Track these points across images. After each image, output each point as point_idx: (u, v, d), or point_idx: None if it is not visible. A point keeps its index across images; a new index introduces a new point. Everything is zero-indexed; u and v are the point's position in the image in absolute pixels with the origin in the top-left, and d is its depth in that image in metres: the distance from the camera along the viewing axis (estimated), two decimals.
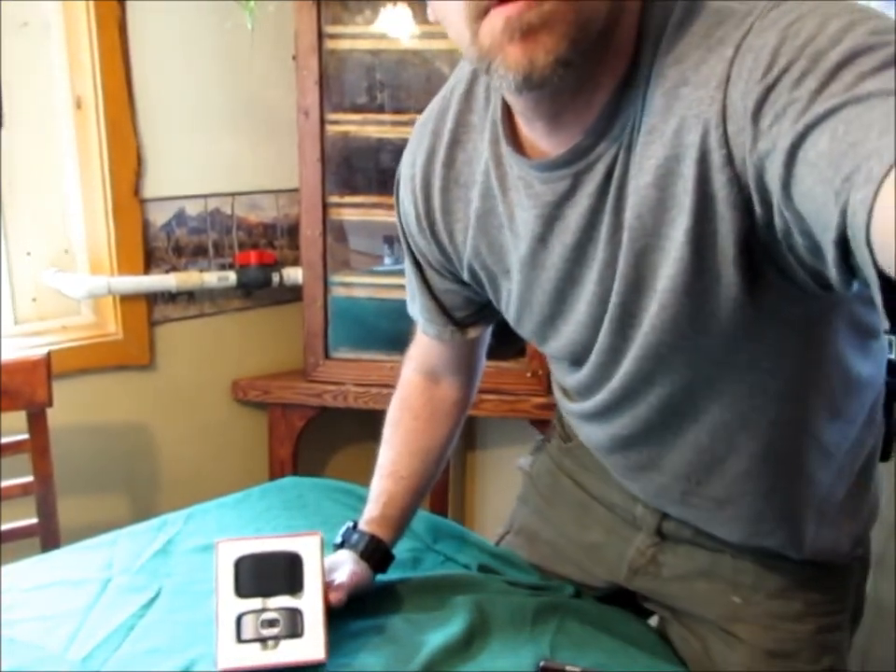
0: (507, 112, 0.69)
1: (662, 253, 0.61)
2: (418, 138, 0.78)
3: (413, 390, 0.94)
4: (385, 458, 0.92)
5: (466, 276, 0.79)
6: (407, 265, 0.85)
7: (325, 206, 1.63)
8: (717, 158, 0.56)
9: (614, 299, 0.65)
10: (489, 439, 1.97)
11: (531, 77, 0.56)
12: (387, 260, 1.71)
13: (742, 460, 0.72)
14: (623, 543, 0.89)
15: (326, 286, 1.66)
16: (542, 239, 0.69)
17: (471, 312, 0.86)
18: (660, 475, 0.77)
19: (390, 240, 1.68)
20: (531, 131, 0.67)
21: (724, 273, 0.59)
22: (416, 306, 0.87)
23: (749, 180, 0.55)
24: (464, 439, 1.99)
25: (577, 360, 0.74)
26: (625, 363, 0.68)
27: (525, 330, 0.77)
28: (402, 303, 0.91)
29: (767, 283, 0.59)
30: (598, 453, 0.84)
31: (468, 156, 0.74)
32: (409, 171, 0.79)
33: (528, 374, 1.60)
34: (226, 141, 1.66)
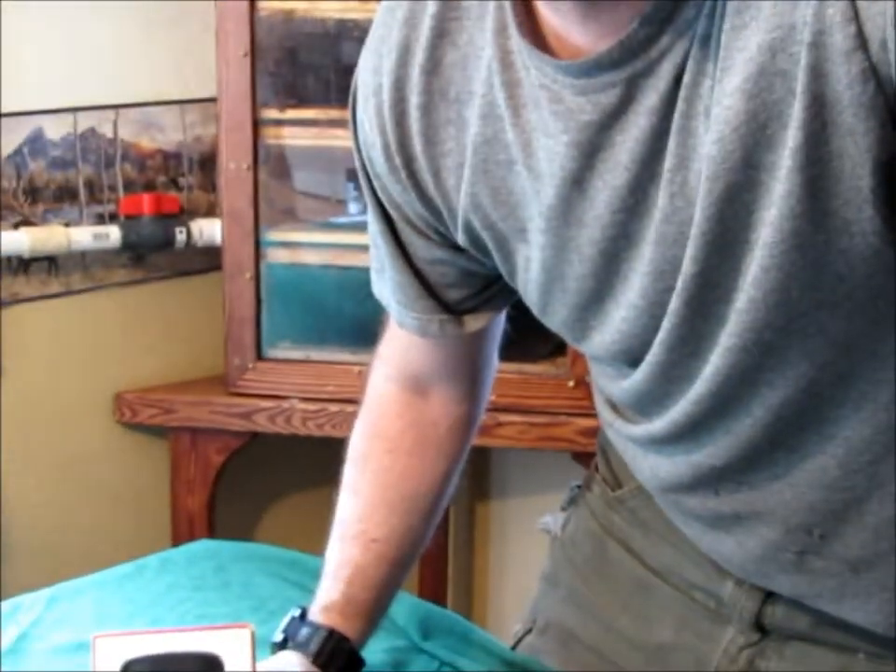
0: None
1: (760, 190, 0.62)
2: (385, 27, 0.79)
3: (387, 408, 0.95)
4: (347, 512, 0.93)
5: (461, 239, 0.80)
6: (371, 222, 0.86)
7: (256, 125, 1.62)
8: (840, 40, 0.57)
9: (688, 267, 0.67)
10: (510, 482, 1.95)
11: None
12: (353, 208, 1.70)
13: (891, 501, 0.73)
14: (705, 644, 0.88)
15: (258, 247, 1.66)
16: (578, 180, 0.70)
17: (471, 291, 0.87)
18: (765, 527, 0.78)
19: (357, 177, 1.72)
20: (557, 15, 0.67)
21: (857, 217, 0.61)
22: (387, 285, 0.88)
23: (892, 70, 0.56)
24: (471, 482, 1.97)
25: (633, 360, 0.76)
26: (714, 358, 0.70)
27: (555, 319, 0.79)
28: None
29: None
30: (668, 499, 0.85)
31: (460, 55, 0.74)
32: (372, 79, 0.80)
33: (570, 383, 1.59)
34: (105, 27, 1.65)
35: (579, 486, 1.02)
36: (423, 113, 0.77)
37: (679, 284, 0.68)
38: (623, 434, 0.86)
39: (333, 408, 1.64)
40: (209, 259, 1.74)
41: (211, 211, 1.77)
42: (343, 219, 1.74)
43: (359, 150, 0.84)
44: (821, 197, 0.60)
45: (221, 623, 0.80)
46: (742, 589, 0.86)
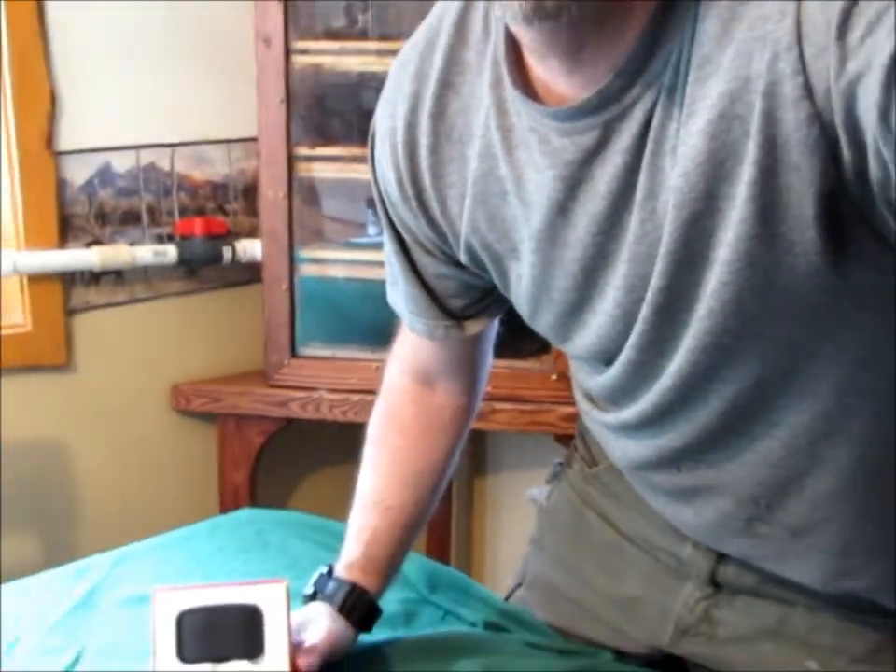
0: (512, 46, 0.70)
1: (719, 217, 0.62)
2: (398, 80, 0.79)
3: (400, 398, 0.95)
4: (366, 485, 0.94)
5: (463, 258, 0.80)
6: (387, 243, 0.86)
7: (291, 160, 1.63)
8: (790, 89, 0.56)
9: (657, 281, 0.66)
10: (504, 460, 1.96)
11: (543, 5, 0.57)
12: (372, 230, 1.72)
13: (827, 476, 0.73)
14: (667, 596, 0.88)
15: (292, 263, 1.67)
16: (563, 208, 0.70)
17: (472, 301, 0.87)
18: (720, 499, 0.78)
19: (375, 204, 1.72)
20: (545, 70, 0.67)
21: (801, 239, 0.60)
22: (400, 295, 0.88)
23: (834, 116, 0.55)
24: (471, 460, 1.98)
25: (608, 359, 0.76)
26: (678, 358, 0.69)
27: (542, 325, 0.79)
28: None
29: (857, 250, 0.60)
30: (637, 475, 0.85)
31: (462, 103, 0.74)
32: (387, 123, 0.79)
33: (554, 377, 1.60)
34: (164, 77, 1.66)
35: (560, 464, 1.02)
36: (431, 152, 0.76)
37: (649, 295, 0.68)
38: (599, 421, 0.85)
39: (355, 398, 1.65)
40: (251, 273, 1.75)
41: (253, 232, 1.76)
42: (363, 240, 1.74)
43: (377, 183, 0.83)
44: (771, 222, 0.60)
45: (261, 579, 0.80)
46: (699, 551, 0.85)
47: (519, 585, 1.02)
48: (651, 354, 0.71)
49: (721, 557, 0.85)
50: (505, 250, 0.76)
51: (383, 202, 0.83)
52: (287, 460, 1.88)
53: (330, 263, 1.71)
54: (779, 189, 0.59)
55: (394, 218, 0.83)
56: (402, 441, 0.94)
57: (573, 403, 0.92)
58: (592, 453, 0.96)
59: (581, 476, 0.97)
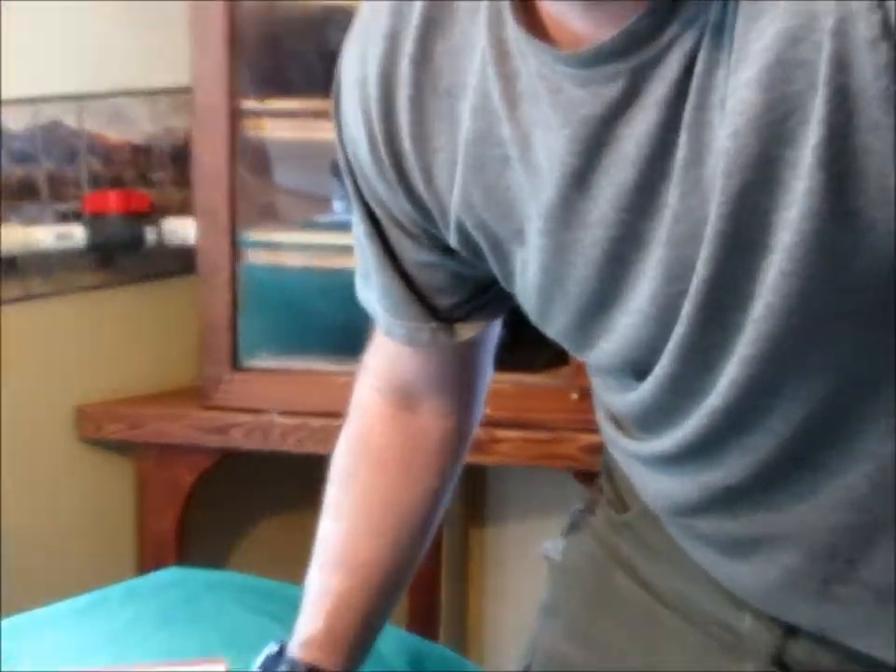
0: None
1: (778, 189, 0.63)
2: (370, 16, 0.79)
3: (374, 423, 0.96)
4: (330, 536, 0.94)
5: (453, 241, 0.81)
6: (357, 223, 0.87)
7: (233, 116, 1.62)
8: (865, 28, 0.57)
9: (702, 271, 0.67)
10: (508, 504, 1.95)
11: None
12: (338, 206, 1.71)
13: None
14: None
15: (235, 248, 1.66)
16: (581, 178, 0.70)
17: (464, 297, 0.88)
18: (787, 553, 0.78)
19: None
20: (557, 3, 0.67)
21: (883, 216, 0.60)
22: (372, 290, 0.89)
23: None
24: (465, 504, 1.98)
25: (640, 371, 0.76)
26: (729, 370, 0.70)
27: (554, 326, 0.79)
28: None
29: None
30: (678, 523, 0.85)
31: (452, 45, 0.75)
32: (356, 70, 0.80)
33: (573, 395, 1.59)
34: (69, 12, 1.64)
35: (581, 510, 1.02)
36: (412, 107, 0.77)
37: (692, 288, 0.67)
38: (628, 452, 0.85)
39: (315, 422, 1.64)
40: (181, 261, 1.74)
41: (184, 209, 1.75)
42: (327, 218, 1.74)
43: (343, 146, 0.84)
44: (846, 195, 0.60)
45: (192, 659, 0.82)
46: (761, 622, 0.85)
47: (528, 668, 1.02)
48: (694, 365, 0.71)
49: (790, 630, 0.84)
50: (507, 232, 0.77)
51: (351, 170, 0.84)
52: (226, 504, 1.87)
53: (285, 249, 1.70)
54: (855, 153, 0.59)
55: (364, 191, 0.84)
56: (376, 479, 0.94)
57: (598, 430, 0.92)
58: (621, 494, 0.96)
59: (607, 524, 0.98)
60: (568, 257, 0.74)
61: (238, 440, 1.69)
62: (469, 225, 0.79)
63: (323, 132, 1.51)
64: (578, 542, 1.01)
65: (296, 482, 1.56)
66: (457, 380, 0.94)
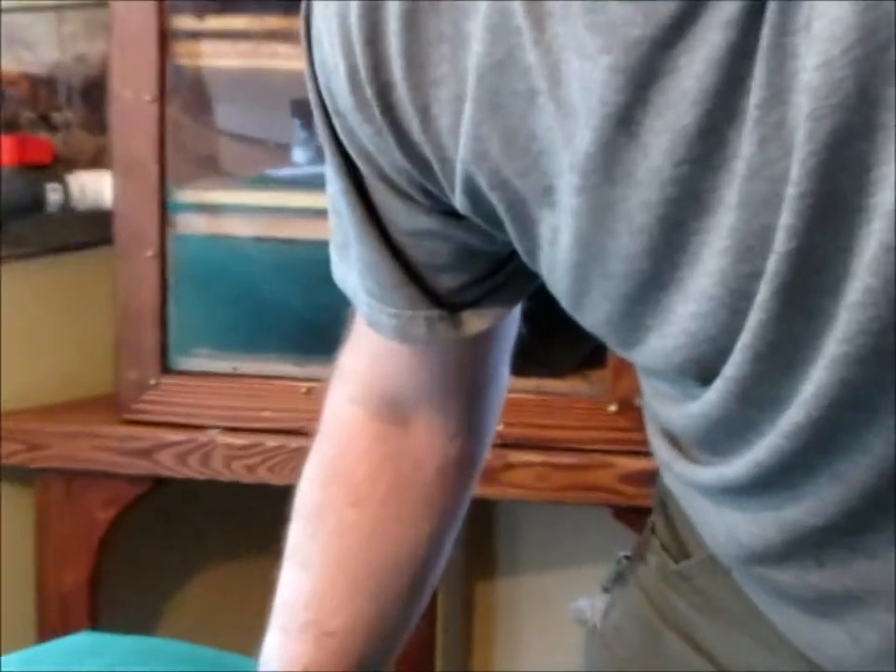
0: None
1: (880, 137, 0.60)
2: None
3: (350, 443, 0.95)
4: (293, 591, 0.93)
5: (460, 202, 0.77)
6: (331, 178, 0.84)
7: (164, 38, 1.57)
8: None
9: (783, 241, 0.63)
10: (525, 550, 1.94)
11: None
12: (301, 155, 1.68)
13: None
14: None
15: (165, 212, 1.61)
16: (627, 120, 0.67)
17: (473, 277, 0.85)
18: (887, 613, 0.76)
19: (307, 112, 1.73)
20: None
21: None
22: (352, 267, 0.86)
23: None
24: (469, 551, 1.96)
25: (705, 374, 0.73)
26: (816, 373, 0.68)
27: (593, 316, 0.76)
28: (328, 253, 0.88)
29: None
30: (751, 573, 0.83)
31: None
32: None
33: (612, 408, 1.55)
34: None
35: (627, 557, 1.01)
36: (405, 25, 0.74)
37: (771, 266, 0.65)
38: (688, 480, 0.83)
39: (271, 442, 1.61)
40: (95, 229, 1.69)
41: (98, 160, 1.71)
42: (285, 172, 1.68)
43: (314, 77, 0.81)
44: None
45: None
46: None
47: None
48: (773, 365, 0.69)
49: None
50: (532, 189, 0.73)
51: (324, 108, 0.81)
52: (152, 549, 1.84)
53: (228, 212, 1.65)
54: None
55: (342, 136, 0.81)
56: (353, 517, 0.94)
57: (646, 453, 0.91)
58: (680, 537, 0.94)
59: (660, 576, 0.97)
60: (611, 224, 0.71)
61: (168, 465, 1.63)
62: (482, 181, 0.76)
63: (279, 58, 1.58)
64: (623, 601, 1.00)
65: (245, 520, 1.62)
66: (463, 389, 0.94)
